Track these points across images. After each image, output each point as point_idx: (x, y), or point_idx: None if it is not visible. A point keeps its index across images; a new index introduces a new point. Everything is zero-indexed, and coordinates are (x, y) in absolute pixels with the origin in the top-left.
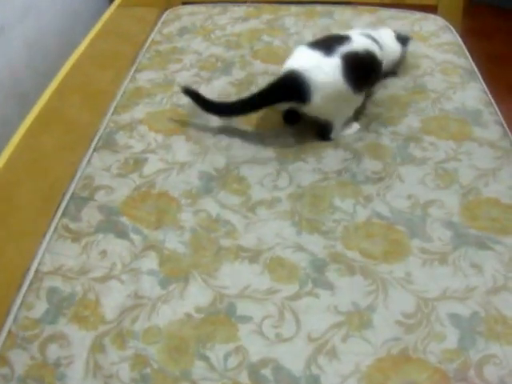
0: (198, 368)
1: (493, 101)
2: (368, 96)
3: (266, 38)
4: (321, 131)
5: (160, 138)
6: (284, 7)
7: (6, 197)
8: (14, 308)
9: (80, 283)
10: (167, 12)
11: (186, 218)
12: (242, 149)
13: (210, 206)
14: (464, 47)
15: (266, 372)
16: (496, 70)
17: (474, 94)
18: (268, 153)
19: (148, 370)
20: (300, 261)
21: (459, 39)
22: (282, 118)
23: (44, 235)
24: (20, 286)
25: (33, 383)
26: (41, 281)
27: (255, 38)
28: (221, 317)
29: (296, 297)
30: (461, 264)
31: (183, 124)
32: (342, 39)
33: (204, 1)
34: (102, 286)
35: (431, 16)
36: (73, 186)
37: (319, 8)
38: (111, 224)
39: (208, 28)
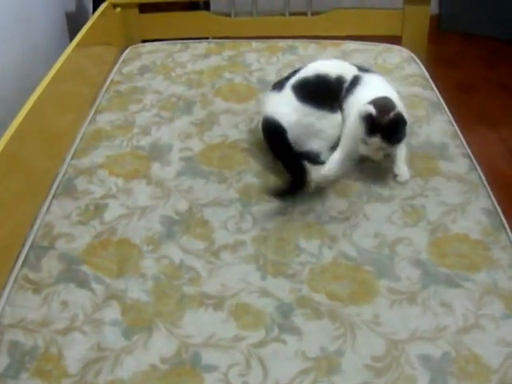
0: None
1: (459, 132)
2: None
3: (227, 75)
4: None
5: (120, 182)
6: (245, 43)
7: None
8: None
9: (42, 336)
10: (127, 50)
11: (148, 265)
12: (204, 191)
13: (172, 251)
14: (429, 78)
15: None
16: (464, 98)
17: (440, 126)
18: (231, 194)
19: None
20: (265, 306)
21: (424, 70)
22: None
23: (4, 287)
24: None
25: None
26: (2, 334)
27: (216, 75)
28: (186, 367)
29: (262, 344)
30: (430, 303)
31: (144, 167)
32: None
33: (165, 38)
34: (64, 338)
35: (395, 47)
36: (32, 234)
37: (281, 43)
38: (72, 273)
39: (169, 66)
